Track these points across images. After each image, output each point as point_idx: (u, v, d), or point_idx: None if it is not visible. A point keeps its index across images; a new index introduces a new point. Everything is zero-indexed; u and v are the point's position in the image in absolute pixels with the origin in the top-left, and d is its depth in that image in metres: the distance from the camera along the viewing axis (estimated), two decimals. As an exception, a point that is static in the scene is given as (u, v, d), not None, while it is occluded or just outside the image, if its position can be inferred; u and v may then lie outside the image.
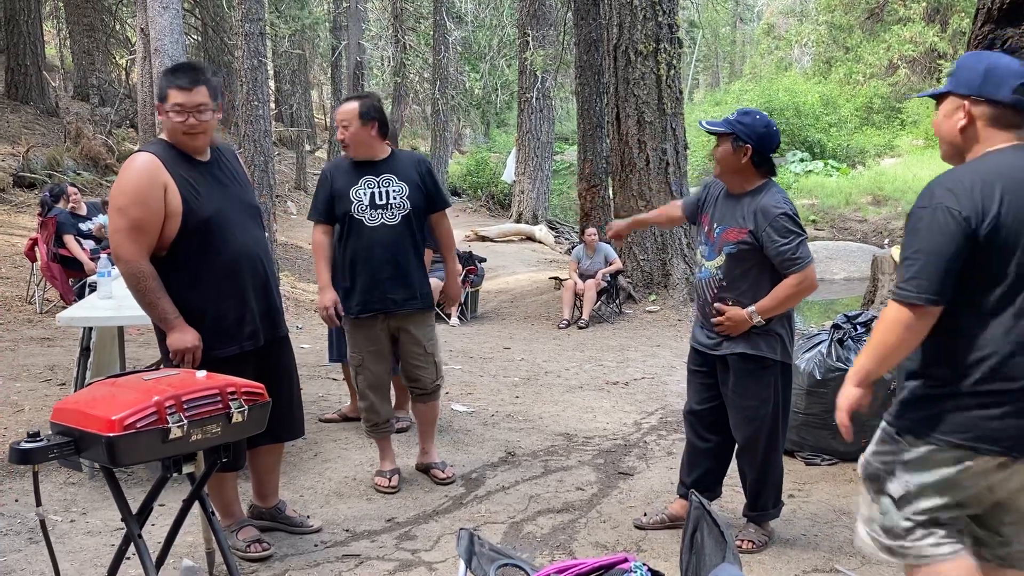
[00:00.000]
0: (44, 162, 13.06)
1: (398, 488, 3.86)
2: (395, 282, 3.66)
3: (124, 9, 19.79)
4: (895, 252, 8.55)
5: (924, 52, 23.94)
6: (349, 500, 3.76)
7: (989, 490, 2.13)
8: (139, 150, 2.99)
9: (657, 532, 3.40)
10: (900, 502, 2.18)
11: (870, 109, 24.01)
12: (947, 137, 2.24)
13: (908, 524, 2.18)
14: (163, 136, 2.97)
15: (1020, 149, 2.15)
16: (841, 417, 2.20)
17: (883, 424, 2.24)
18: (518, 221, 16.49)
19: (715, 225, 3.17)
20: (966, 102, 2.18)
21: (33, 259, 8.03)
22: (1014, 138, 2.17)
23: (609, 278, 8.76)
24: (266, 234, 3.15)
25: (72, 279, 7.79)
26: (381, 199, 3.64)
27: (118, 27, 20.16)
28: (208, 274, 2.89)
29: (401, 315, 3.72)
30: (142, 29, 12.40)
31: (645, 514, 3.53)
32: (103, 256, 6.94)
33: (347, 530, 3.43)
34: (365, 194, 3.65)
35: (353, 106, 3.64)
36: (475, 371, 6.27)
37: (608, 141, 10.31)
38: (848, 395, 2.19)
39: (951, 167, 2.20)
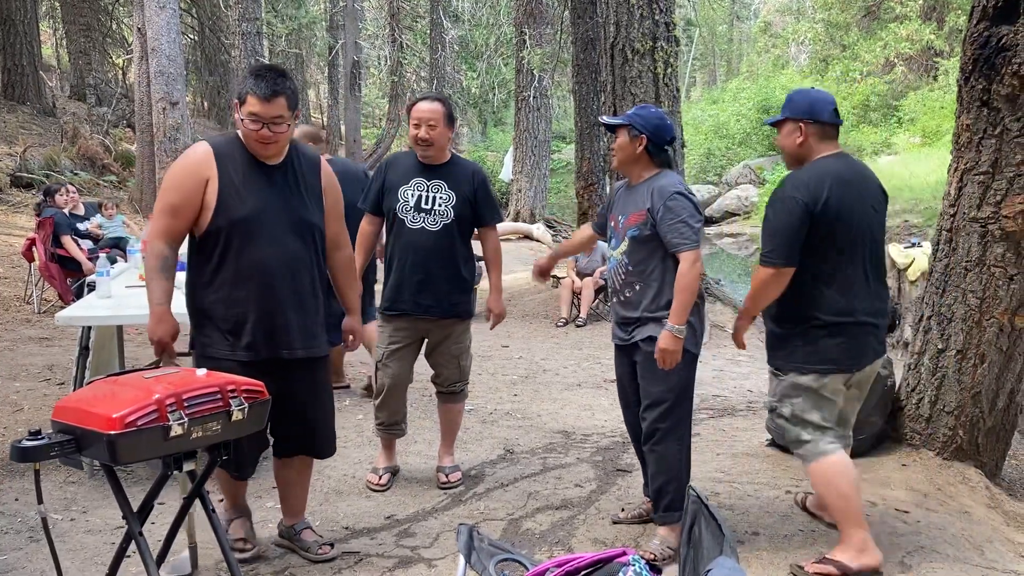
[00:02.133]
0: (41, 162, 13.07)
1: (388, 487, 3.86)
2: (423, 287, 3.64)
3: (120, 9, 19.80)
4: (892, 250, 8.56)
5: (921, 50, 23.95)
6: (348, 498, 3.77)
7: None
8: (206, 140, 2.96)
9: (656, 528, 3.40)
10: (792, 419, 3.05)
11: (867, 107, 23.96)
12: (789, 150, 3.09)
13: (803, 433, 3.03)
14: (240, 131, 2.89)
15: (841, 156, 3.04)
16: (737, 336, 3.25)
17: (770, 371, 3.16)
18: (515, 220, 16.48)
19: (619, 216, 3.23)
20: (801, 124, 3.02)
21: (31, 259, 8.04)
22: (835, 147, 3.06)
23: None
24: (313, 254, 2.96)
25: (70, 279, 7.80)
26: (427, 203, 3.62)
27: (114, 27, 20.17)
28: (221, 275, 2.85)
29: (428, 319, 3.71)
30: (139, 29, 12.41)
31: (623, 509, 3.56)
32: (101, 256, 6.97)
33: (346, 527, 3.44)
34: (412, 195, 3.64)
35: (439, 108, 3.61)
36: (473, 369, 6.23)
37: (605, 139, 10.32)
38: (739, 325, 3.23)
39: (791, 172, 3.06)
